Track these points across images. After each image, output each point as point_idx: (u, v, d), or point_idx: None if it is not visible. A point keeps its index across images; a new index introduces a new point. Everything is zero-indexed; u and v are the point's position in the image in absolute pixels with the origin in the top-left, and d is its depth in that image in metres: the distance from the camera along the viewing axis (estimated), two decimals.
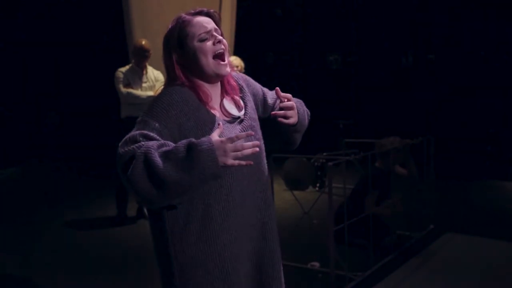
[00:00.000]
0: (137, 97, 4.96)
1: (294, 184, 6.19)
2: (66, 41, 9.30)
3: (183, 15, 1.66)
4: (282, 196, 5.92)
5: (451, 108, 7.81)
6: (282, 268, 1.79)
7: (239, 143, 1.45)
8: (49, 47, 9.39)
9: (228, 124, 1.62)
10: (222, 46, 1.62)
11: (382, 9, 8.56)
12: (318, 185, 6.49)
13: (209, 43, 1.60)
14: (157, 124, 1.50)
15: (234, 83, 1.74)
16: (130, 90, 4.95)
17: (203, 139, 1.43)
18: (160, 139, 1.47)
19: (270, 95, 1.85)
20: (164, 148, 1.42)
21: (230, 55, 1.75)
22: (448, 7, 7.78)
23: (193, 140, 1.43)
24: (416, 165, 4.65)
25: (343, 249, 3.70)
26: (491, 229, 4.76)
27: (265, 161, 1.75)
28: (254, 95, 1.79)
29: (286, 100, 1.69)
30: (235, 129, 1.63)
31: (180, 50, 1.62)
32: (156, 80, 5.15)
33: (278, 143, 1.85)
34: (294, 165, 6.36)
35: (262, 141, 1.74)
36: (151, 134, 1.47)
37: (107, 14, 8.38)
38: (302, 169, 6.35)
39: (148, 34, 6.35)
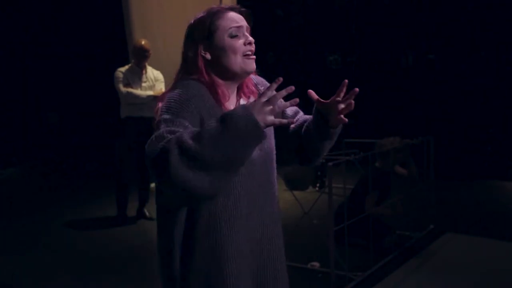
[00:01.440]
0: (137, 97, 4.95)
1: (294, 184, 6.18)
2: (66, 41, 9.31)
3: (215, 6, 1.57)
4: (282, 196, 5.92)
5: (451, 108, 7.81)
6: None
7: (272, 95, 1.32)
8: (49, 47, 9.39)
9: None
10: (252, 49, 1.55)
11: (382, 9, 8.56)
12: (318, 185, 6.49)
13: (240, 41, 1.52)
14: (180, 119, 1.40)
15: (252, 87, 1.66)
16: (130, 90, 4.95)
17: (236, 107, 1.34)
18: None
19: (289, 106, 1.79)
20: (196, 131, 1.30)
21: None
22: (448, 7, 7.78)
23: (226, 111, 1.34)
24: (416, 165, 4.65)
25: (343, 249, 3.70)
26: (491, 229, 4.76)
27: (275, 174, 1.67)
28: None
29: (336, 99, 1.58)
30: None
31: (207, 42, 1.53)
32: (156, 80, 5.14)
33: (299, 156, 1.72)
34: (294, 165, 6.36)
35: (274, 152, 1.66)
36: (177, 128, 1.36)
37: (107, 15, 8.38)
38: (302, 169, 6.34)
39: (148, 34, 6.36)
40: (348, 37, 9.00)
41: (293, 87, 1.34)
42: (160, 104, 1.50)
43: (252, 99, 1.62)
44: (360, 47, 8.94)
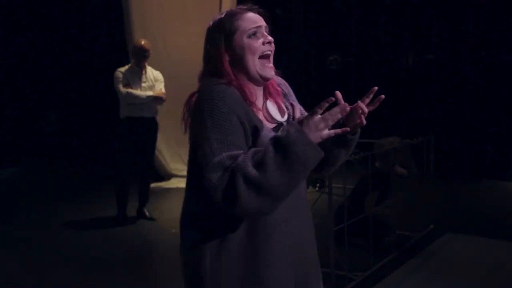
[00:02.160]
0: (136, 97, 4.95)
1: None
2: (66, 41, 9.31)
3: (233, 8, 1.58)
4: None
5: (451, 108, 7.81)
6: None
7: (326, 113, 1.35)
8: (49, 47, 9.39)
9: (272, 131, 1.53)
10: (271, 48, 1.55)
11: (382, 9, 8.56)
12: (318, 185, 6.48)
13: (259, 41, 1.53)
14: (229, 138, 1.40)
15: (277, 86, 1.65)
16: (130, 90, 4.95)
17: (288, 128, 1.35)
18: (243, 153, 1.39)
19: (301, 108, 1.77)
20: (256, 159, 1.34)
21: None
22: (448, 7, 7.78)
23: (278, 135, 1.36)
24: (416, 165, 4.65)
25: (343, 249, 3.69)
26: (491, 229, 4.76)
27: (305, 188, 1.69)
28: (294, 108, 1.71)
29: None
30: None
31: (228, 43, 1.53)
32: (156, 80, 5.14)
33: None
34: None
35: None
36: (234, 153, 1.38)
37: (107, 15, 8.38)
38: None
39: (148, 34, 6.36)
40: (348, 37, 8.99)
41: (347, 107, 1.41)
42: (186, 108, 1.52)
43: (279, 102, 1.63)
44: (360, 47, 8.94)
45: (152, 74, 5.15)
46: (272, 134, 1.49)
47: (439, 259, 4.06)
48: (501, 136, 7.42)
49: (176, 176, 7.18)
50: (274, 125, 1.56)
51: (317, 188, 6.43)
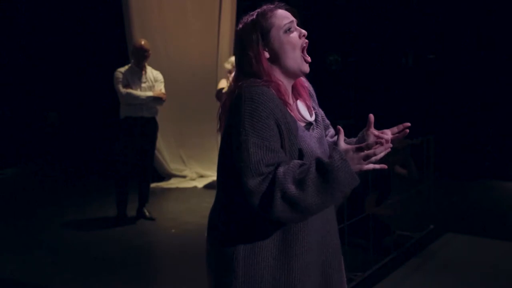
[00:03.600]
0: (136, 98, 4.95)
1: None
2: (66, 41, 9.30)
3: (261, 8, 1.59)
4: None
5: (451, 108, 7.81)
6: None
7: (371, 151, 1.41)
8: (49, 47, 9.39)
9: (305, 130, 1.57)
10: (306, 41, 1.59)
11: (382, 9, 8.56)
12: None
13: (296, 35, 1.56)
14: (268, 143, 1.43)
15: (306, 87, 1.70)
16: (130, 90, 4.95)
17: (333, 154, 1.39)
18: (279, 159, 1.43)
19: (325, 117, 1.81)
20: (297, 175, 1.39)
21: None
22: (448, 7, 7.78)
23: (321, 159, 1.40)
24: (416, 165, 4.65)
25: (343, 249, 3.69)
26: (491, 229, 4.77)
27: None
28: (318, 107, 1.75)
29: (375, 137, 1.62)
30: (311, 136, 1.58)
31: (264, 41, 1.55)
32: (156, 80, 5.14)
33: None
34: None
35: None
36: (271, 159, 1.42)
37: (107, 15, 8.38)
38: None
39: (148, 34, 6.36)
40: (348, 37, 8.99)
41: (389, 148, 1.45)
42: (223, 108, 1.55)
43: (307, 101, 1.66)
44: (360, 47, 8.93)
45: (152, 74, 5.15)
46: (306, 133, 1.55)
47: (439, 259, 4.06)
48: (501, 136, 7.42)
49: (176, 176, 7.18)
50: (304, 123, 1.60)
51: None
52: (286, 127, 1.48)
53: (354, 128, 1.66)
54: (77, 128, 9.54)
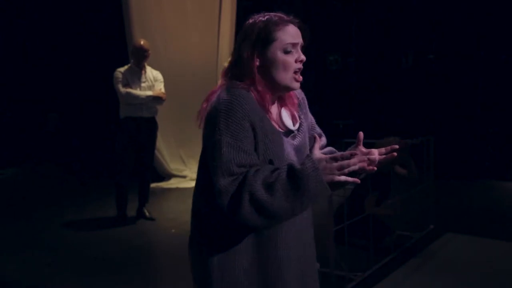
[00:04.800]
0: (136, 97, 4.95)
1: None
2: (66, 41, 9.30)
3: (276, 15, 1.56)
4: None
5: (451, 108, 7.81)
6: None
7: (345, 162, 1.39)
8: (49, 47, 9.39)
9: (283, 137, 1.56)
10: (301, 67, 1.58)
11: (382, 9, 8.56)
12: None
13: (292, 58, 1.54)
14: (241, 144, 1.43)
15: (294, 96, 1.69)
16: (129, 90, 4.95)
17: (306, 161, 1.38)
18: (251, 161, 1.43)
19: (316, 127, 1.79)
20: (267, 179, 1.38)
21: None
22: (448, 7, 7.78)
23: (294, 165, 1.40)
24: (416, 165, 4.65)
25: (343, 249, 3.70)
26: (491, 229, 4.77)
27: None
28: (306, 117, 1.73)
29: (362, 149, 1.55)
30: (289, 143, 1.57)
31: (262, 49, 1.53)
32: (155, 80, 5.14)
33: None
34: None
35: None
36: (243, 160, 1.42)
37: (107, 15, 8.38)
38: None
39: (148, 34, 6.36)
40: (348, 37, 8.99)
41: (374, 168, 1.43)
42: (204, 105, 1.53)
43: (293, 111, 1.65)
44: (360, 47, 8.94)
45: (152, 74, 5.15)
46: (284, 140, 1.54)
47: (439, 259, 4.06)
48: (501, 136, 7.42)
49: (176, 176, 7.18)
50: (285, 131, 1.59)
51: None
52: (262, 131, 1.48)
53: (354, 128, 1.65)
54: (77, 128, 9.54)
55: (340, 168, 1.38)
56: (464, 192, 6.35)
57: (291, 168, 1.39)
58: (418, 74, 8.26)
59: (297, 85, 1.58)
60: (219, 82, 1.60)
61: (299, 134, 1.63)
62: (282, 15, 1.56)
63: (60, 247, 4.58)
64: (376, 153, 1.52)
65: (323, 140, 1.81)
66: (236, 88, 1.49)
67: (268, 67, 1.53)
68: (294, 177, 1.36)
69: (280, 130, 1.58)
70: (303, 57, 1.56)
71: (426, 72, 8.18)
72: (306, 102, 1.76)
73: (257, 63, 1.53)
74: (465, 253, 4.20)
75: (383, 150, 1.56)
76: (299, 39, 1.56)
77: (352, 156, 1.40)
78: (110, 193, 5.45)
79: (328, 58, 9.24)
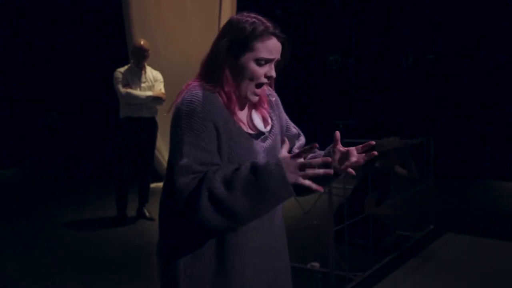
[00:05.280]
0: (136, 97, 4.95)
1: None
2: (66, 41, 9.31)
3: (263, 23, 1.51)
4: None
5: (451, 108, 7.81)
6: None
7: (307, 161, 1.35)
8: (49, 47, 9.39)
9: (252, 139, 1.54)
10: (268, 82, 1.55)
11: (382, 9, 8.56)
12: None
13: (262, 71, 1.51)
14: (203, 144, 1.41)
15: (265, 98, 1.66)
16: (129, 90, 4.95)
17: (270, 159, 1.36)
18: (213, 160, 1.41)
19: (291, 123, 1.77)
20: (227, 176, 1.34)
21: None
22: (448, 7, 7.78)
23: (256, 162, 1.36)
24: (416, 165, 4.65)
25: (343, 249, 3.70)
26: (491, 229, 4.77)
27: None
28: (279, 119, 1.70)
29: (341, 148, 1.58)
30: (258, 146, 1.54)
31: (237, 53, 1.51)
32: (155, 80, 5.14)
33: None
34: None
35: None
36: (204, 158, 1.40)
37: (107, 15, 8.38)
38: None
39: (148, 34, 6.36)
40: (348, 37, 8.99)
41: (329, 159, 1.36)
42: (172, 107, 1.51)
43: (264, 113, 1.63)
44: (360, 47, 8.93)
45: (152, 74, 5.15)
46: (254, 142, 1.52)
47: (439, 259, 4.06)
48: (501, 136, 7.42)
49: None
50: (256, 133, 1.57)
51: None
52: (226, 133, 1.46)
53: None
54: (77, 128, 9.54)
55: (301, 167, 1.33)
56: (464, 192, 6.35)
57: (253, 165, 1.35)
58: (418, 74, 8.26)
59: (256, 98, 1.55)
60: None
61: (270, 136, 1.60)
62: (269, 25, 1.51)
63: (60, 247, 4.58)
64: (354, 152, 1.55)
65: (301, 140, 1.79)
66: (200, 89, 1.49)
67: (236, 72, 1.51)
68: (255, 174, 1.32)
69: (251, 132, 1.56)
70: (273, 74, 1.54)
71: (426, 72, 8.18)
72: (279, 103, 1.74)
73: (229, 64, 1.51)
74: (465, 253, 4.20)
75: (360, 147, 1.57)
76: (276, 55, 1.53)
77: (311, 148, 1.35)
78: (110, 193, 5.45)
79: (328, 58, 9.24)
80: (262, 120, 1.61)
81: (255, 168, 1.33)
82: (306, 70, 9.48)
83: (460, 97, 7.72)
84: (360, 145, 1.58)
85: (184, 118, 1.44)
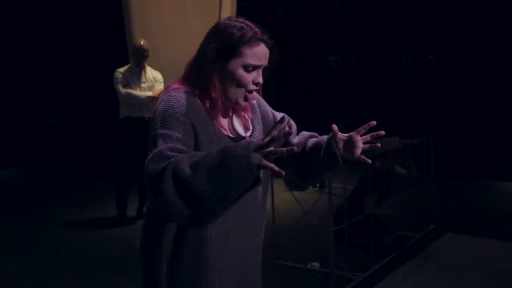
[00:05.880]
0: (136, 98, 4.95)
1: (294, 184, 6.19)
2: (66, 41, 9.31)
3: (252, 29, 1.50)
4: (282, 196, 5.91)
5: (451, 108, 7.81)
6: None
7: (264, 142, 1.28)
8: (49, 47, 9.39)
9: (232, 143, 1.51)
10: (257, 89, 1.55)
11: (382, 9, 8.56)
12: (318, 185, 6.49)
13: (250, 78, 1.51)
14: (178, 134, 1.39)
15: (249, 105, 1.65)
16: (129, 90, 4.95)
17: (241, 142, 1.34)
18: (186, 149, 1.38)
19: (278, 116, 1.74)
20: (195, 159, 1.28)
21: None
22: (448, 7, 7.78)
23: (228, 145, 1.30)
24: (416, 165, 4.65)
25: (343, 249, 3.70)
26: (491, 229, 4.77)
27: (265, 188, 1.67)
28: (264, 117, 1.69)
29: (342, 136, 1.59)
30: None
31: (224, 58, 1.49)
32: (155, 80, 5.14)
33: (297, 170, 1.73)
34: None
35: (265, 172, 1.57)
36: (178, 146, 1.37)
37: (107, 15, 8.38)
38: None
39: (148, 35, 6.35)
40: (348, 37, 8.99)
41: (295, 148, 1.30)
42: (156, 108, 1.49)
43: (245, 118, 1.62)
44: (360, 47, 8.93)
45: (152, 74, 5.16)
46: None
47: (439, 259, 4.06)
48: (501, 136, 7.42)
49: None
50: (234, 136, 1.56)
51: (317, 188, 6.43)
52: (206, 135, 1.45)
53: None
54: (77, 128, 9.54)
55: (266, 146, 1.25)
56: (464, 192, 6.35)
57: (222, 148, 1.28)
58: (418, 74, 8.26)
59: (245, 103, 1.55)
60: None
61: (252, 139, 1.59)
62: (257, 31, 1.50)
63: (60, 247, 4.58)
64: (358, 137, 1.57)
65: (293, 129, 1.76)
66: (179, 92, 1.49)
67: (224, 77, 1.50)
68: (222, 155, 1.25)
69: (231, 136, 1.55)
70: (260, 80, 1.53)
71: (426, 72, 8.18)
72: (261, 102, 1.72)
73: (217, 70, 1.50)
74: (465, 253, 4.20)
75: (362, 129, 1.58)
76: (263, 61, 1.52)
77: (278, 123, 1.30)
78: (110, 193, 5.45)
79: (328, 58, 9.24)
80: (243, 126, 1.61)
81: (223, 150, 1.26)
82: (306, 70, 9.48)
83: (460, 97, 7.72)
84: (361, 127, 1.59)
85: (160, 115, 1.43)
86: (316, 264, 3.89)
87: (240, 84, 1.50)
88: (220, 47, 1.49)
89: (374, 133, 1.59)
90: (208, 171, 1.23)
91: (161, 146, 1.36)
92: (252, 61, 1.49)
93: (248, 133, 1.61)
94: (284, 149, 1.27)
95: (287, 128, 1.31)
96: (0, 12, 8.79)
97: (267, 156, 1.25)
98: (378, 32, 8.63)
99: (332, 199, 3.52)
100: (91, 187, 7.00)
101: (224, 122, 1.57)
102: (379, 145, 1.59)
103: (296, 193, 5.72)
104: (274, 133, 1.27)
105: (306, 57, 9.45)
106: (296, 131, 1.79)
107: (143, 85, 5.05)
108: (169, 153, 1.32)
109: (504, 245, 4.35)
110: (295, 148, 1.28)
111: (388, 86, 8.49)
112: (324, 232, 3.75)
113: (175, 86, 1.53)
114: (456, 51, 7.81)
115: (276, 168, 1.26)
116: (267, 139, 1.26)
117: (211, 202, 1.25)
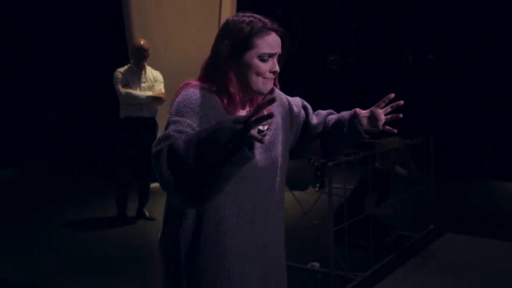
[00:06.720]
0: (136, 98, 4.95)
1: (294, 184, 6.19)
2: (66, 41, 9.31)
3: (260, 20, 1.54)
4: None
5: (451, 108, 7.81)
6: None
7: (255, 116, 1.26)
8: (50, 47, 9.39)
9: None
10: (273, 77, 1.58)
11: (382, 9, 8.56)
12: (318, 185, 6.49)
13: (267, 67, 1.53)
14: (189, 121, 1.42)
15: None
16: (129, 90, 4.95)
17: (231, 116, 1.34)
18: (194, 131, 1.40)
19: (293, 102, 1.77)
20: (192, 135, 1.30)
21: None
22: (448, 7, 7.78)
23: (219, 120, 1.30)
24: (416, 165, 4.65)
25: (343, 249, 3.70)
26: (491, 229, 4.77)
27: (282, 180, 1.66)
28: (281, 106, 1.70)
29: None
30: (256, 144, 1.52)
31: (239, 52, 1.52)
32: (155, 80, 5.14)
33: (322, 147, 1.84)
34: (294, 165, 6.35)
35: (280, 159, 1.63)
36: (186, 129, 1.38)
37: (107, 15, 8.38)
38: (302, 169, 6.35)
39: (148, 34, 6.36)
40: (348, 37, 8.99)
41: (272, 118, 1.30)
42: (173, 101, 1.53)
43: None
44: (360, 47, 8.93)
45: (152, 74, 5.15)
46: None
47: (439, 259, 4.06)
48: (501, 136, 7.42)
49: None
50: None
51: (317, 188, 6.43)
52: None
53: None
54: (77, 128, 9.54)
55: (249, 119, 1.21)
56: (464, 192, 6.35)
57: (216, 122, 1.27)
58: (418, 74, 8.26)
59: (269, 86, 1.57)
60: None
61: (268, 132, 1.60)
62: (266, 21, 1.54)
63: (60, 247, 4.58)
64: (379, 110, 1.78)
65: (309, 110, 1.87)
66: (198, 88, 1.51)
67: (242, 70, 1.53)
68: (211, 128, 1.24)
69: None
70: (277, 68, 1.56)
71: (426, 72, 8.18)
72: (278, 94, 1.71)
73: (233, 65, 1.53)
74: (465, 253, 4.20)
75: (381, 103, 1.76)
76: (277, 49, 1.55)
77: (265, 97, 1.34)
78: (110, 193, 5.45)
79: (328, 58, 9.24)
80: None
81: (214, 124, 1.26)
82: (306, 70, 9.48)
83: (460, 97, 7.72)
84: (381, 101, 1.75)
85: (175, 106, 1.48)
86: (316, 264, 3.89)
87: (258, 73, 1.53)
88: (233, 43, 1.52)
89: (394, 104, 1.76)
90: (199, 143, 1.24)
91: (170, 129, 1.38)
92: (266, 50, 1.52)
93: (266, 126, 1.62)
94: (264, 115, 1.24)
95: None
96: (0, 12, 8.79)
97: (251, 124, 1.21)
98: (378, 32, 8.63)
99: (332, 199, 3.52)
100: (91, 187, 7.00)
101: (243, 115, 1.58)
102: (401, 115, 1.78)
103: (296, 193, 5.72)
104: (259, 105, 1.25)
105: (306, 57, 9.45)
106: (312, 111, 1.87)
107: (143, 85, 5.05)
108: (175, 134, 1.33)
109: (504, 245, 4.35)
110: (274, 98, 1.24)
111: (388, 86, 8.48)
112: (324, 232, 3.75)
113: (194, 83, 1.56)
114: (456, 51, 7.81)
115: (259, 137, 1.25)
116: (253, 112, 1.24)
117: (202, 179, 1.25)
